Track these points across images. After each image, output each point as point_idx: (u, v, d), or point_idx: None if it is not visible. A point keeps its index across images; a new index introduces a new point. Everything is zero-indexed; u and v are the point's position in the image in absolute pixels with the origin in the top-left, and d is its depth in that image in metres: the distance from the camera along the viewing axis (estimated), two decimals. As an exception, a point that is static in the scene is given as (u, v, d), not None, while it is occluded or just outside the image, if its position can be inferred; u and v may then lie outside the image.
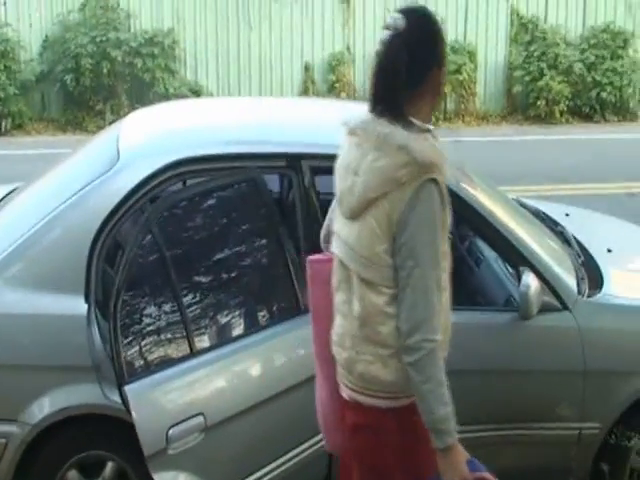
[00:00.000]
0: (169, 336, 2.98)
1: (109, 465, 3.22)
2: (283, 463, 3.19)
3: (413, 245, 2.28)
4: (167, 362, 2.95)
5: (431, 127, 2.40)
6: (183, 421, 2.89)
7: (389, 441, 2.41)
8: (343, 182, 2.42)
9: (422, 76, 2.37)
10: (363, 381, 2.40)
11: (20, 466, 3.14)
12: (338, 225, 2.50)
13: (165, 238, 2.97)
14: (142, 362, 2.91)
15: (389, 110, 2.35)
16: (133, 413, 2.80)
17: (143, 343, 2.93)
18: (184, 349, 2.98)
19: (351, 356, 2.42)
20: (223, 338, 3.12)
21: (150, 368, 2.92)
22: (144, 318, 2.95)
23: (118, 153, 3.39)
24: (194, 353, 2.99)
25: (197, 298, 3.06)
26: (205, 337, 3.07)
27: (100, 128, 9.22)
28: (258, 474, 3.13)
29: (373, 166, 2.31)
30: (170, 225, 3.05)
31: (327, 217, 2.75)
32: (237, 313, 3.21)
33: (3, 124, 11.97)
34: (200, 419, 2.92)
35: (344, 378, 2.48)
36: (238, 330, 3.18)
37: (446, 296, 2.38)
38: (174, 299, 2.98)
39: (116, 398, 2.93)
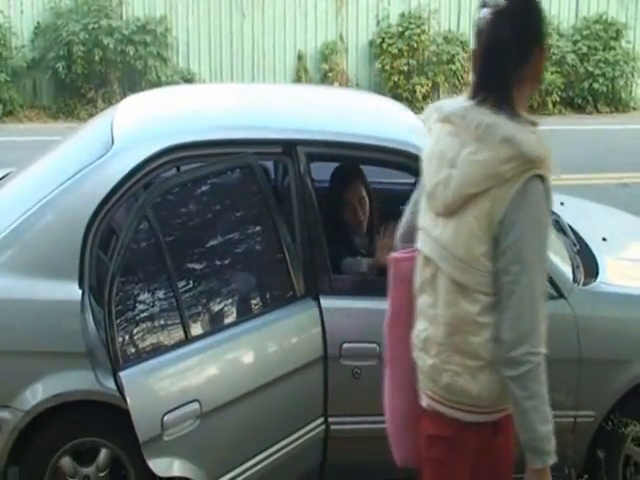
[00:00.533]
0: (164, 322, 2.96)
1: (103, 452, 3.20)
2: (279, 449, 3.18)
3: (519, 248, 2.09)
4: (162, 348, 2.93)
5: (536, 120, 2.20)
6: (178, 407, 2.87)
7: (465, 457, 2.27)
8: (436, 174, 2.21)
9: (525, 58, 2.16)
10: (448, 392, 2.24)
11: (13, 452, 3.13)
12: (426, 221, 2.28)
13: (160, 224, 2.95)
14: (137, 348, 2.89)
15: (494, 96, 2.13)
16: (128, 399, 2.78)
17: (138, 329, 2.90)
18: (179, 335, 2.96)
19: (436, 364, 2.25)
20: (218, 325, 3.10)
21: (145, 354, 2.89)
22: (139, 304, 2.93)
23: (112, 138, 3.36)
24: (189, 339, 2.97)
25: (192, 284, 3.04)
26: (200, 324, 3.05)
27: (92, 116, 9.16)
28: (253, 460, 3.12)
29: (473, 159, 2.11)
30: (165, 211, 3.03)
31: (407, 213, 2.55)
32: (232, 300, 3.20)
33: (-6, 111, 11.93)
34: (195, 405, 2.90)
35: (425, 386, 2.32)
36: (233, 317, 3.16)
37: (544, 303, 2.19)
38: (169, 285, 2.95)
39: (110, 384, 2.91)
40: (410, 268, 2.36)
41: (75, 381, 3.08)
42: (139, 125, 3.58)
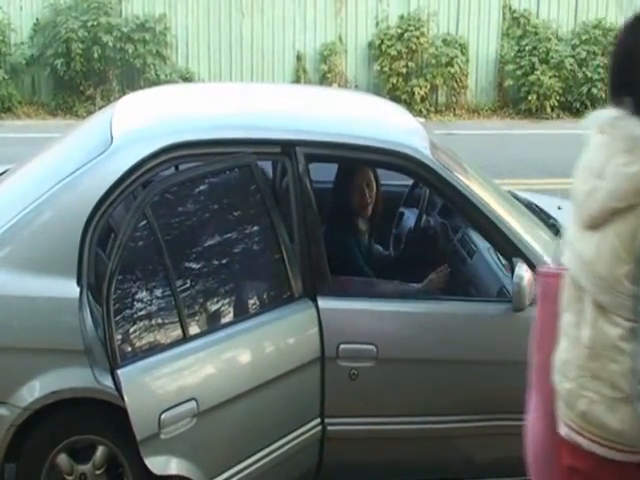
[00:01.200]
0: (162, 321, 2.96)
1: (100, 449, 3.19)
2: (275, 449, 3.18)
3: None
4: (160, 347, 2.93)
5: None
6: (175, 406, 2.87)
7: None
8: (583, 185, 2.11)
9: None
10: (584, 421, 2.10)
11: (10, 449, 3.12)
12: (572, 234, 2.17)
13: (159, 222, 2.95)
14: (135, 346, 2.89)
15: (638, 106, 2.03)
16: (125, 397, 2.78)
17: (136, 327, 2.90)
18: (177, 334, 2.96)
19: (573, 389, 2.12)
20: (216, 324, 3.11)
21: (143, 352, 2.89)
22: (137, 302, 2.93)
23: (111, 136, 3.36)
24: (187, 338, 2.97)
25: (190, 283, 3.04)
26: (198, 322, 3.05)
27: (90, 113, 9.17)
28: (250, 460, 3.13)
29: (621, 171, 2.00)
30: (164, 209, 3.03)
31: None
32: (231, 299, 3.20)
33: (-8, 107, 11.92)
34: (192, 404, 2.91)
35: (564, 414, 2.18)
36: (231, 316, 3.16)
37: None
38: (167, 284, 2.95)
39: (108, 382, 2.91)
40: (556, 285, 2.22)
41: (72, 378, 3.07)
42: (138, 123, 3.58)
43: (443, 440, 3.42)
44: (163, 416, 2.84)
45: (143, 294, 2.94)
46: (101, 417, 3.15)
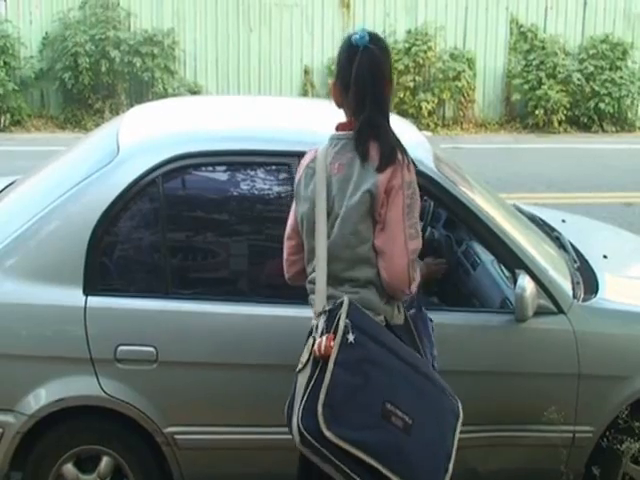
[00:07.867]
0: None
1: (104, 460, 3.21)
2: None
3: None
4: None
5: None
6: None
7: None
8: None
9: None
10: None
11: (17, 457, 3.14)
12: None
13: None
14: None
15: None
16: None
17: None
18: None
19: None
20: None
21: None
22: None
23: (118, 147, 3.40)
24: None
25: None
26: None
27: (99, 126, 9.22)
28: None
29: None
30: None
31: None
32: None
33: (2, 120, 11.97)
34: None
35: None
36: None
37: None
38: None
39: (111, 391, 2.93)
40: None
41: (78, 386, 3.11)
42: (145, 134, 3.61)
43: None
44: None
45: None
46: (106, 427, 3.17)
